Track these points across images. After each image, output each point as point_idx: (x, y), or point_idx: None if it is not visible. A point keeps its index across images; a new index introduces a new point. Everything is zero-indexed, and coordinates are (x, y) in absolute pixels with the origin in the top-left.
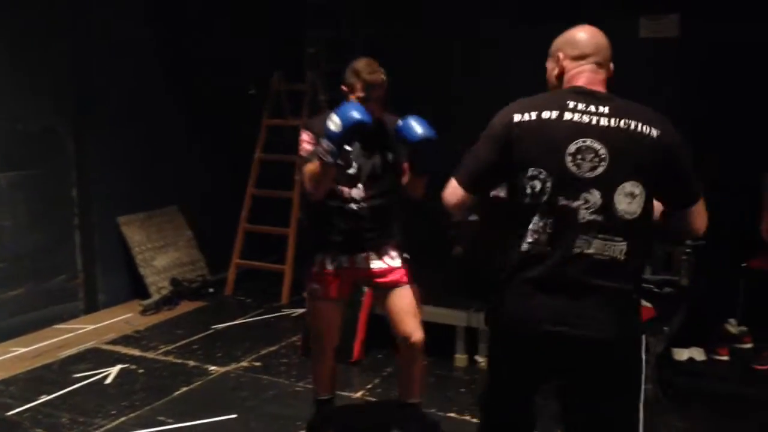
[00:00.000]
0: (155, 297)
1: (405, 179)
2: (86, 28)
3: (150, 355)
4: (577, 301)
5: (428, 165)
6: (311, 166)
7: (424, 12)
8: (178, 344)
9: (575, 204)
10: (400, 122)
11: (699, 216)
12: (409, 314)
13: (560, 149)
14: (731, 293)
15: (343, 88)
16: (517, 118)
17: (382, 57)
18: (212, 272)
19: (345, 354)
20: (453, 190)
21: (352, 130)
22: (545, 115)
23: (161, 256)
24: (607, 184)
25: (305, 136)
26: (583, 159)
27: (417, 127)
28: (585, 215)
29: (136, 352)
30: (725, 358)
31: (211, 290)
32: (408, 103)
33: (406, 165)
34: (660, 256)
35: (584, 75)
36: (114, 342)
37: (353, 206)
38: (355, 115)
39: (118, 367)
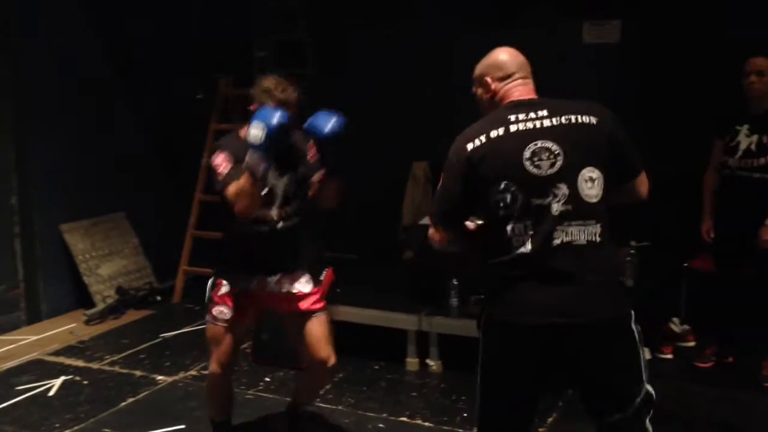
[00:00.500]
0: (100, 306)
1: (313, 190)
2: (27, 32)
3: (95, 365)
4: (570, 290)
5: (336, 164)
6: (237, 185)
7: (376, 14)
8: (124, 354)
9: (547, 200)
10: (310, 119)
11: (643, 184)
12: (324, 340)
13: (518, 158)
14: (674, 293)
15: (252, 108)
16: (469, 147)
17: (333, 59)
18: (160, 280)
19: (296, 360)
20: (433, 231)
21: (277, 135)
22: (493, 134)
23: (106, 264)
24: (569, 175)
25: (220, 158)
26: (540, 159)
27: (325, 121)
28: (557, 208)
29: (81, 363)
30: (669, 356)
31: (158, 298)
32: (359, 106)
33: (316, 177)
34: None
35: (515, 90)
36: (57, 353)
37: (265, 228)
38: (276, 118)
39: (62, 378)
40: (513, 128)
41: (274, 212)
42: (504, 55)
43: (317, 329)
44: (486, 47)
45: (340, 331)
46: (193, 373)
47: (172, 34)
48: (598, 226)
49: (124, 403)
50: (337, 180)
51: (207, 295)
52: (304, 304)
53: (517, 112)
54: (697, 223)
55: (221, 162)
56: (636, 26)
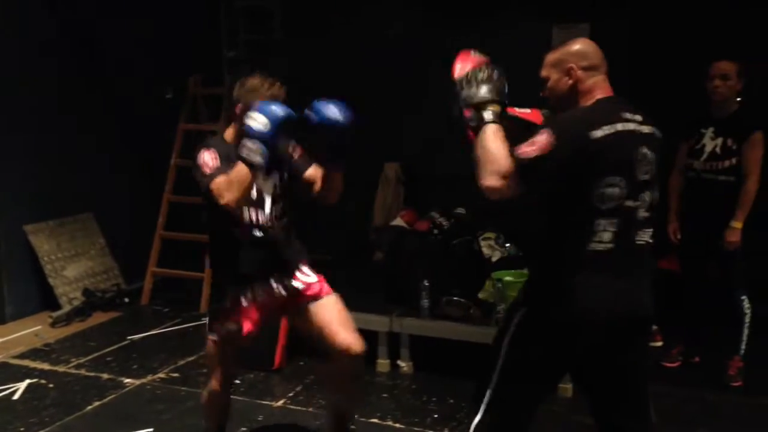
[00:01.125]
0: (66, 308)
1: (317, 185)
2: None
3: (61, 368)
4: (638, 285)
5: (340, 155)
6: (229, 175)
7: (347, 16)
8: (90, 357)
9: (635, 204)
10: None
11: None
12: (339, 322)
13: (632, 157)
14: None
15: (237, 109)
16: (595, 134)
17: (302, 60)
18: (127, 281)
19: (266, 361)
20: (499, 179)
21: (280, 128)
22: (620, 127)
23: (72, 265)
24: (652, 185)
25: (207, 155)
26: (642, 164)
27: (328, 108)
28: (641, 213)
29: (46, 366)
30: None
31: (126, 300)
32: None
33: (313, 172)
34: None
35: (604, 84)
36: (22, 356)
37: (258, 233)
38: (280, 111)
39: (27, 381)
40: (630, 126)
41: (265, 215)
42: (589, 46)
43: (330, 313)
44: (455, 49)
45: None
46: (161, 375)
47: (140, 32)
48: (652, 231)
49: (90, 407)
50: (341, 171)
51: (211, 310)
52: (310, 291)
53: (627, 111)
54: (664, 225)
55: (209, 158)
56: (604, 30)
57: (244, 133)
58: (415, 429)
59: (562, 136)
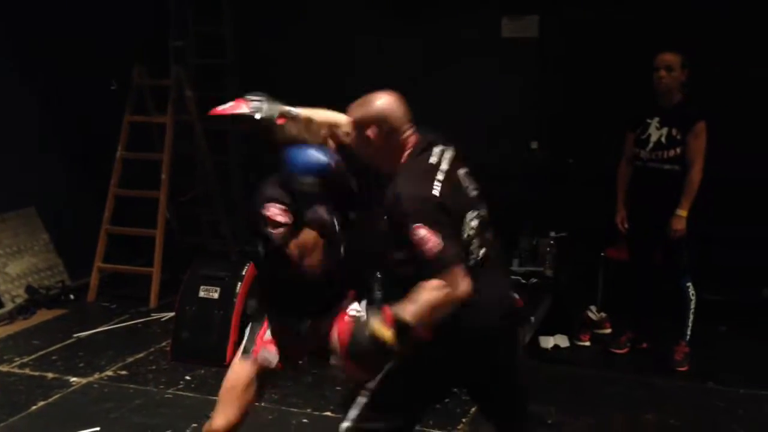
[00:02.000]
0: (8, 306)
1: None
2: None
3: (4, 368)
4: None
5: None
6: (307, 237)
7: (297, 6)
8: (34, 356)
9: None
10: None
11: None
12: None
13: (463, 188)
14: (592, 282)
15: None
16: (435, 191)
17: (255, 52)
18: (73, 278)
19: (218, 356)
20: (462, 277)
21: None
22: (440, 176)
23: (15, 262)
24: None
25: (277, 209)
26: (467, 186)
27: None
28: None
29: None
30: (587, 343)
31: (71, 297)
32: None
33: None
34: (526, 249)
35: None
36: None
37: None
38: (321, 157)
39: None
40: (444, 166)
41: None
42: (393, 104)
43: None
44: (403, 38)
45: None
46: (108, 373)
47: (82, 21)
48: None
49: (35, 407)
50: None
51: (247, 336)
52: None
53: (434, 151)
54: (613, 214)
55: (277, 212)
56: (554, 21)
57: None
58: None
59: (430, 204)
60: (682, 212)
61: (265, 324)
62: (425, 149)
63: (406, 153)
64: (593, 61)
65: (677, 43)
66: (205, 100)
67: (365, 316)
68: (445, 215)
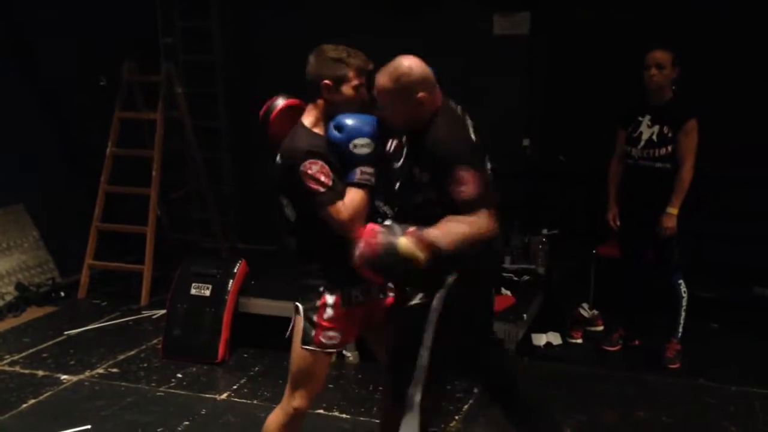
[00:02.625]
0: None
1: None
2: None
3: None
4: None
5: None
6: (351, 208)
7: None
8: (25, 353)
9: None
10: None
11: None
12: None
13: (479, 138)
14: (584, 279)
15: (327, 82)
16: (472, 136)
17: (247, 48)
18: (63, 275)
19: (210, 354)
20: (492, 218)
21: (378, 138)
22: (469, 124)
23: (4, 259)
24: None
25: (317, 169)
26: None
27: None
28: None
29: None
30: (579, 341)
31: (62, 294)
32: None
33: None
34: (518, 246)
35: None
36: None
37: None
38: (371, 122)
39: None
40: None
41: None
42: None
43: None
44: (397, 34)
45: (255, 325)
46: (99, 371)
47: (72, 17)
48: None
49: (25, 405)
50: None
51: (307, 317)
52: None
53: None
54: (605, 212)
55: (319, 172)
56: (545, 18)
57: (349, 155)
58: (361, 419)
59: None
60: (673, 210)
61: (324, 301)
62: (448, 102)
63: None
64: (585, 58)
65: (669, 40)
66: (194, 96)
67: (397, 230)
68: (479, 159)
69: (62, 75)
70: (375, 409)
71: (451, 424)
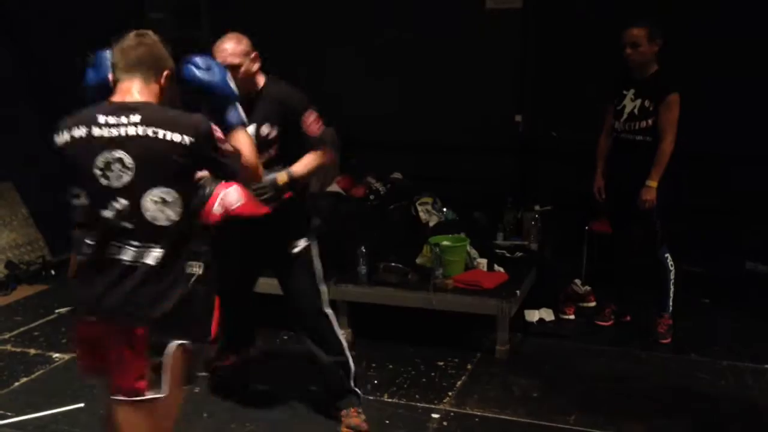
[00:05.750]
0: None
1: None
2: None
3: None
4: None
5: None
6: (248, 138)
7: None
8: (16, 332)
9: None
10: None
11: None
12: None
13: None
14: (576, 255)
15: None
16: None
17: (234, 24)
18: (54, 253)
19: (202, 332)
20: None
21: None
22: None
23: None
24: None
25: (216, 128)
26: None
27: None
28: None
29: None
30: (572, 317)
31: (53, 272)
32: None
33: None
34: (511, 222)
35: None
36: None
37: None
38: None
39: None
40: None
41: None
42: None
43: None
44: (388, 8)
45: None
46: None
47: None
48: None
49: (17, 383)
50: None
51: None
52: None
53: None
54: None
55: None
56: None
57: (228, 92)
58: None
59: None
60: (652, 183)
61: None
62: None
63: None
64: (577, 32)
65: (663, 11)
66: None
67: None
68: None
69: (51, 53)
70: (369, 385)
71: (444, 400)
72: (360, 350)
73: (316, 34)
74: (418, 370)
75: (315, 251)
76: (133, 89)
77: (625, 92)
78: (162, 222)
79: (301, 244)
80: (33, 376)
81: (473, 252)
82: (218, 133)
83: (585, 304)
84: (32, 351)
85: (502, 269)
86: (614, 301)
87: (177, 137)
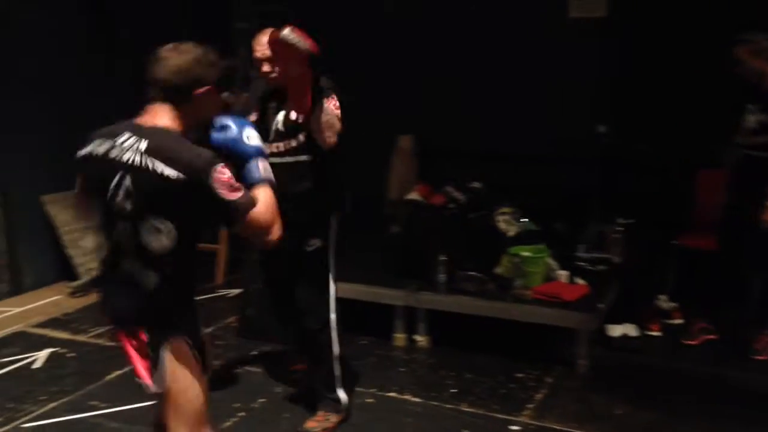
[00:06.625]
0: (84, 278)
1: None
2: None
3: (80, 338)
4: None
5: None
6: (269, 195)
7: None
8: (108, 327)
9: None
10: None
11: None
12: None
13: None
14: (662, 270)
15: (200, 92)
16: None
17: (320, 32)
18: None
19: (281, 334)
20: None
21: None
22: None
23: (89, 236)
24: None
25: (227, 170)
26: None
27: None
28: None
29: (66, 336)
30: (657, 333)
31: None
32: (344, 78)
33: None
34: (593, 235)
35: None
36: (42, 325)
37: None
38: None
39: (47, 351)
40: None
41: None
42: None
43: None
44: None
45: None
46: None
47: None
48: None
49: (110, 376)
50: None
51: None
52: None
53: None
54: (683, 201)
55: (230, 175)
56: (623, 0)
57: (245, 149)
58: (433, 403)
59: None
60: None
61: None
62: None
63: None
64: (666, 42)
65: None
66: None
67: None
68: None
69: (139, 56)
70: (446, 393)
71: (524, 413)
72: (438, 358)
73: (399, 48)
74: (496, 380)
75: (332, 251)
76: (158, 110)
77: (749, 105)
78: (157, 250)
79: (317, 243)
80: (125, 370)
81: (553, 263)
82: (224, 175)
83: (671, 321)
84: None
85: (583, 281)
86: (704, 318)
87: (172, 173)
